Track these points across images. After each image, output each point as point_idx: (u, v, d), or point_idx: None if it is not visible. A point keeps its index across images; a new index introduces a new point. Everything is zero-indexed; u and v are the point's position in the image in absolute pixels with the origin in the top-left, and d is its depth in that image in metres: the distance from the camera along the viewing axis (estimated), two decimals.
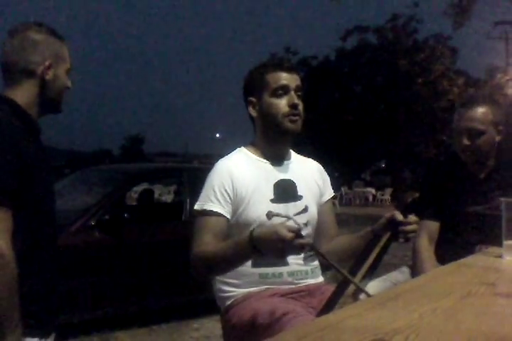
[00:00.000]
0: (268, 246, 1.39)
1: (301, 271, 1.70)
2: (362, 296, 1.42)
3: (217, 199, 1.65)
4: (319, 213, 1.82)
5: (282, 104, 1.70)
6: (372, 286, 1.92)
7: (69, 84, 1.58)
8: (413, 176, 24.76)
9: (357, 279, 1.42)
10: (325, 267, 1.84)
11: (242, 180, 1.69)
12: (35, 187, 1.43)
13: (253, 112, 1.76)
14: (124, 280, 4.16)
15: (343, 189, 23.58)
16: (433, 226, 2.13)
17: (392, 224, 1.56)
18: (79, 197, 4.88)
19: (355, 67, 23.67)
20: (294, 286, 1.67)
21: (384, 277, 2.12)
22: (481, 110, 2.03)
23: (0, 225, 1.31)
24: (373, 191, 24.61)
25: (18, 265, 1.32)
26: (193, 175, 4.79)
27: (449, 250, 2.04)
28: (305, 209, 1.74)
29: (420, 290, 1.20)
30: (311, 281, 1.72)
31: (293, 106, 1.70)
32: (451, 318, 0.94)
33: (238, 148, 1.83)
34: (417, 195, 2.19)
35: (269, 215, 1.65)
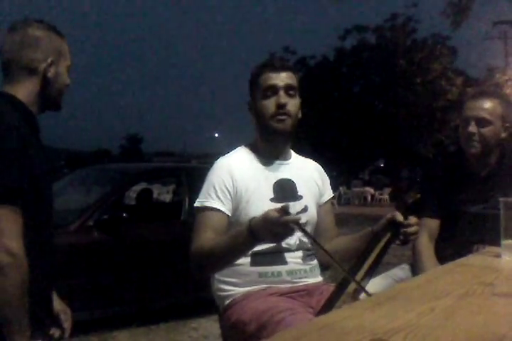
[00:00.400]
0: (263, 231, 1.40)
1: (300, 269, 1.70)
2: (362, 296, 1.42)
3: (218, 197, 1.66)
4: (319, 213, 1.82)
5: (270, 104, 1.71)
6: (374, 283, 1.92)
7: (68, 81, 1.57)
8: (411, 176, 24.77)
9: (357, 279, 1.42)
10: (324, 267, 1.85)
11: (241, 179, 1.69)
12: (37, 186, 1.41)
13: (251, 113, 1.79)
14: (122, 279, 4.16)
15: (341, 188, 23.60)
16: (433, 224, 2.13)
17: (393, 225, 1.56)
18: (77, 196, 4.88)
19: (354, 66, 23.66)
20: (292, 285, 1.67)
21: (385, 274, 2.12)
22: (490, 102, 2.05)
23: (12, 226, 1.29)
24: (372, 191, 24.63)
25: None
26: (191, 175, 4.79)
27: (447, 249, 2.04)
28: (304, 209, 1.75)
29: (418, 290, 1.20)
30: (310, 280, 1.72)
31: (279, 106, 1.70)
32: (449, 318, 0.94)
33: (238, 147, 1.84)
34: (418, 196, 2.19)
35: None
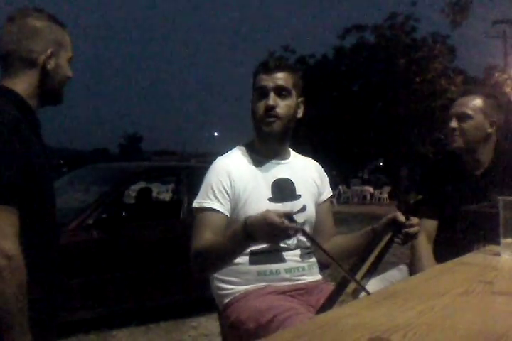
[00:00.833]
0: (260, 232, 1.40)
1: (298, 267, 1.70)
2: (362, 295, 1.42)
3: (216, 197, 1.66)
4: (317, 212, 1.82)
5: (260, 106, 1.70)
6: (370, 285, 1.92)
7: (70, 73, 1.51)
8: (411, 175, 24.78)
9: (357, 278, 1.42)
10: (323, 265, 1.85)
11: (239, 179, 1.69)
12: (38, 183, 1.36)
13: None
14: (121, 278, 4.16)
15: (341, 187, 23.60)
16: (431, 224, 2.13)
17: (394, 225, 1.56)
18: (77, 195, 4.88)
19: (354, 65, 23.68)
20: (291, 283, 1.67)
21: (381, 276, 2.11)
22: (472, 98, 2.09)
23: (9, 227, 1.24)
24: (371, 189, 24.65)
25: None
26: (190, 174, 4.79)
27: (446, 248, 2.04)
28: (303, 209, 1.74)
29: (418, 289, 1.20)
30: (309, 278, 1.72)
31: (267, 108, 1.68)
32: (449, 316, 0.94)
33: (237, 147, 1.83)
34: (419, 197, 2.20)
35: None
